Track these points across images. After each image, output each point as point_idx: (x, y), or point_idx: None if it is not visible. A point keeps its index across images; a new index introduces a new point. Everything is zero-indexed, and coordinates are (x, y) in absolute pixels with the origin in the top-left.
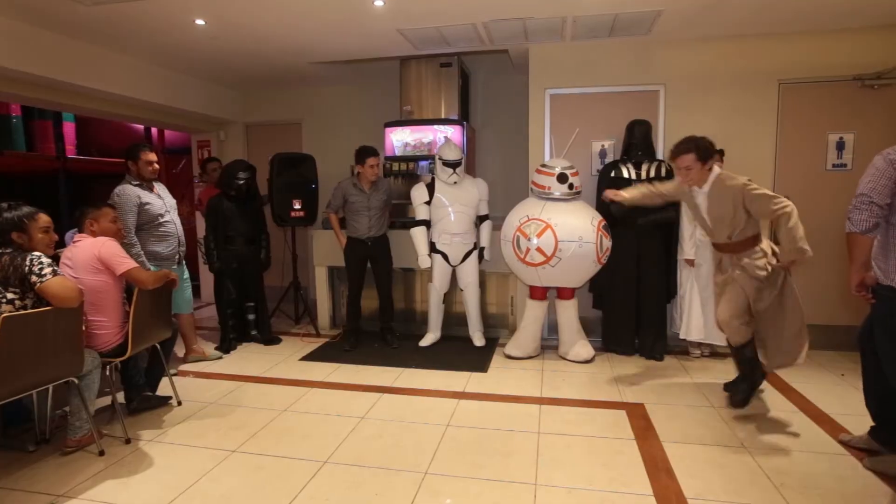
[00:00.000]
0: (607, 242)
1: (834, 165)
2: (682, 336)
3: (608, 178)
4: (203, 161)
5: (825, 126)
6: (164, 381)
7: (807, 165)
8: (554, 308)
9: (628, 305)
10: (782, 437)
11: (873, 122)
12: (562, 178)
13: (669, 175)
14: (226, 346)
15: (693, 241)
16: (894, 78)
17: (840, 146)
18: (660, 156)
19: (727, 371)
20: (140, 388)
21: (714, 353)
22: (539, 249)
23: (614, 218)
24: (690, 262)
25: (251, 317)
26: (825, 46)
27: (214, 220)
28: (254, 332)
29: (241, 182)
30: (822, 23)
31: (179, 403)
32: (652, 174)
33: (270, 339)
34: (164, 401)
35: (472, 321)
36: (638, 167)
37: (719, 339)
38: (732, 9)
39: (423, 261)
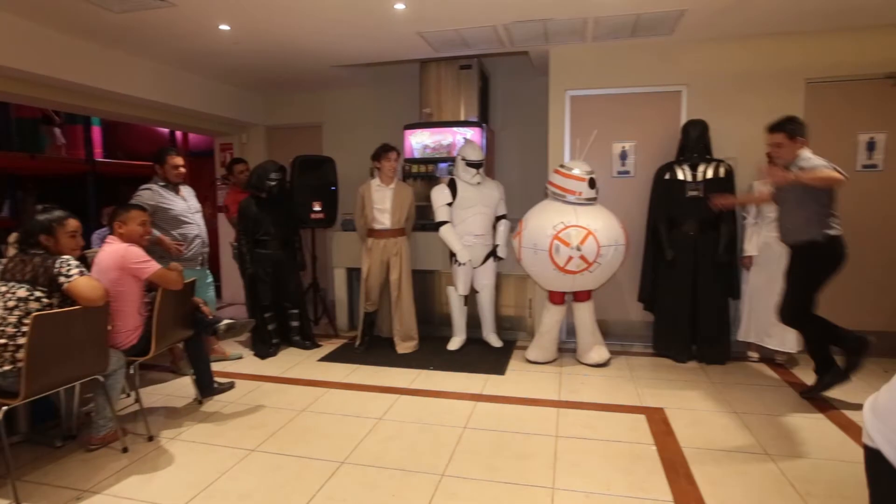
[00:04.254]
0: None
1: (864, 166)
2: (740, 338)
3: (662, 180)
4: (229, 163)
5: (855, 126)
6: (189, 380)
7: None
8: (570, 310)
9: (683, 310)
10: (807, 445)
11: None
12: (592, 183)
13: (728, 176)
14: (264, 351)
15: (757, 240)
16: None
17: (871, 146)
18: (719, 156)
19: (753, 375)
20: (208, 388)
21: (766, 358)
22: (582, 257)
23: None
24: (749, 261)
25: (295, 323)
26: (854, 44)
27: (245, 224)
28: (296, 338)
29: (274, 183)
30: (851, 19)
31: (200, 402)
32: (710, 175)
33: (314, 344)
34: (230, 386)
35: (487, 323)
36: (694, 169)
37: (775, 344)
38: (757, 7)
39: (464, 254)
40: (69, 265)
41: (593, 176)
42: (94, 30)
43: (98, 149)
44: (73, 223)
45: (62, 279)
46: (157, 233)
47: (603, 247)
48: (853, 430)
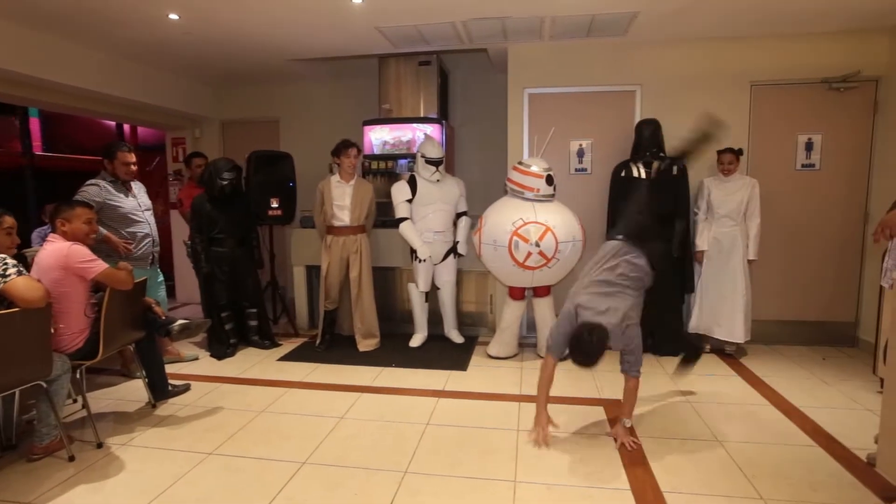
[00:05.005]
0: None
1: (803, 165)
2: (691, 330)
3: (618, 178)
4: (187, 156)
5: (795, 127)
6: (141, 383)
7: (777, 165)
8: (531, 306)
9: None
10: (754, 430)
11: (839, 123)
12: (549, 180)
13: (681, 173)
14: (221, 352)
15: (708, 235)
16: (859, 81)
17: (809, 147)
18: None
19: (704, 366)
20: (162, 391)
21: (716, 348)
22: (541, 253)
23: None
24: (700, 255)
25: (253, 323)
26: (795, 50)
27: (199, 222)
28: (255, 338)
29: (226, 183)
30: (792, 27)
31: (154, 406)
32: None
33: (273, 343)
34: (186, 388)
35: (449, 319)
36: (648, 166)
37: (724, 335)
38: (706, 12)
39: (424, 250)
40: (6, 264)
41: (551, 173)
42: (31, 14)
43: (37, 141)
44: (9, 220)
45: None
46: (103, 231)
47: (561, 243)
48: (795, 416)
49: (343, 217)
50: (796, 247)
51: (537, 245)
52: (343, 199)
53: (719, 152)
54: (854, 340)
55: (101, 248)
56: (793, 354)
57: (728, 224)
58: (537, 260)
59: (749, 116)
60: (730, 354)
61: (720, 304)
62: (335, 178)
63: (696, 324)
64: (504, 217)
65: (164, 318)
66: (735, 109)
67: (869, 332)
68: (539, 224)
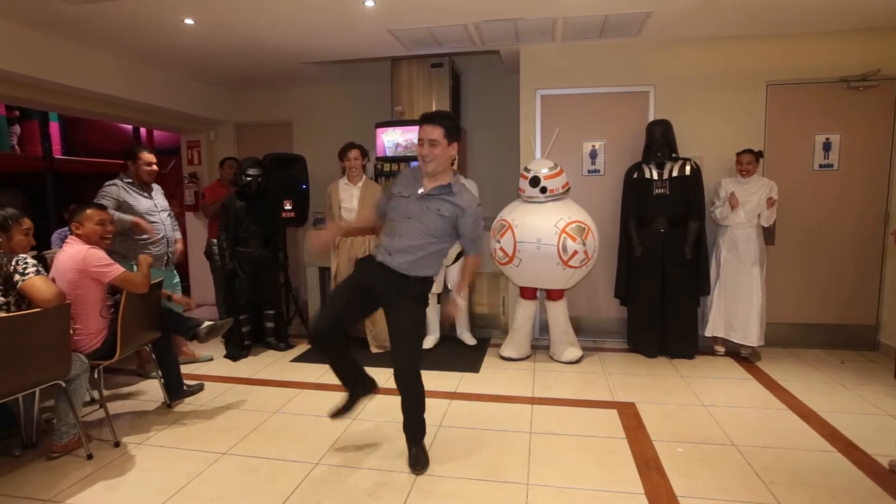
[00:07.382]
0: (574, 245)
1: (821, 165)
2: (707, 333)
3: (631, 179)
4: (221, 160)
5: (812, 127)
6: (157, 383)
7: (795, 165)
8: (544, 308)
9: (653, 305)
10: (771, 435)
11: (858, 123)
12: (534, 182)
13: (694, 174)
14: (236, 353)
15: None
16: (878, 80)
17: (827, 147)
18: (685, 154)
19: (720, 369)
20: (177, 391)
21: (731, 352)
22: (502, 249)
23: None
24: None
25: (270, 324)
26: (811, 48)
27: (227, 220)
28: (270, 339)
29: (250, 178)
30: (809, 25)
31: (169, 406)
32: (675, 173)
33: (288, 346)
34: (199, 388)
35: (461, 321)
36: (660, 167)
37: (739, 338)
38: (721, 11)
39: None
40: (26, 263)
41: (538, 175)
42: (51, 22)
43: (56, 145)
44: (27, 221)
45: (17, 277)
46: (131, 218)
47: (520, 242)
48: (814, 421)
49: (349, 220)
50: (814, 248)
51: (498, 241)
52: (350, 201)
53: (738, 153)
54: (874, 344)
55: (117, 249)
56: (810, 358)
57: (744, 226)
58: (501, 257)
59: (765, 116)
60: (745, 358)
61: (735, 306)
62: (343, 180)
63: (711, 327)
64: (498, 217)
65: (185, 311)
66: (750, 109)
67: (890, 336)
68: (504, 221)
